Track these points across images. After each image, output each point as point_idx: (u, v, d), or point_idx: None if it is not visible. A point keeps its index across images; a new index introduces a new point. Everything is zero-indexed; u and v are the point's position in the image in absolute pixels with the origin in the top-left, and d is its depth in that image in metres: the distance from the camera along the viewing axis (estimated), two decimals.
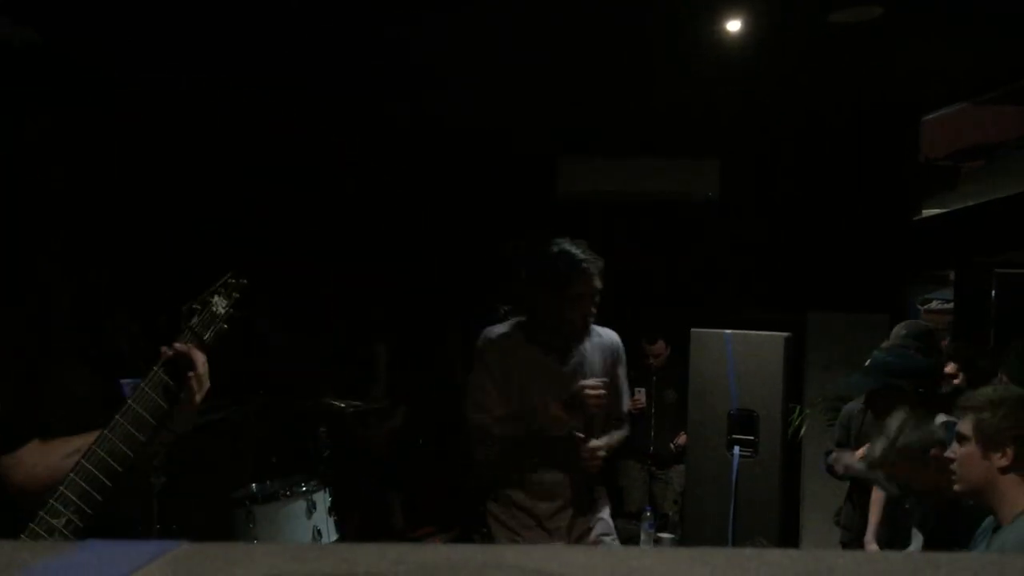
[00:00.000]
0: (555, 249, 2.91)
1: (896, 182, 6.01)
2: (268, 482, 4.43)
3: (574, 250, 2.89)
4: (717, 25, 4.40)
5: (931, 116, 5.85)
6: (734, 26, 4.41)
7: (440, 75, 5.04)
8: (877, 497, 3.77)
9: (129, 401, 1.78)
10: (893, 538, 3.40)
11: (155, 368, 1.84)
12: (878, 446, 2.97)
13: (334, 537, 4.42)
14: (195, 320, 1.97)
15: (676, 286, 6.08)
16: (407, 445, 6.14)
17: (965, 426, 2.43)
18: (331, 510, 4.44)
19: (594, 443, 2.94)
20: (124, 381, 4.43)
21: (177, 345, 1.86)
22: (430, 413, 6.31)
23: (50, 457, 1.82)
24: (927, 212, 6.01)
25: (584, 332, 2.96)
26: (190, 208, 5.08)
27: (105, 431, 1.73)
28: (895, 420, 2.96)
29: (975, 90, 5.43)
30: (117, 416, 1.74)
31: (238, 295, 2.06)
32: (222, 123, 5.24)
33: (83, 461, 1.68)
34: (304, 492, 4.31)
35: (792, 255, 6.00)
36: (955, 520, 2.79)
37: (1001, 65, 4.95)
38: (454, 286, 6.36)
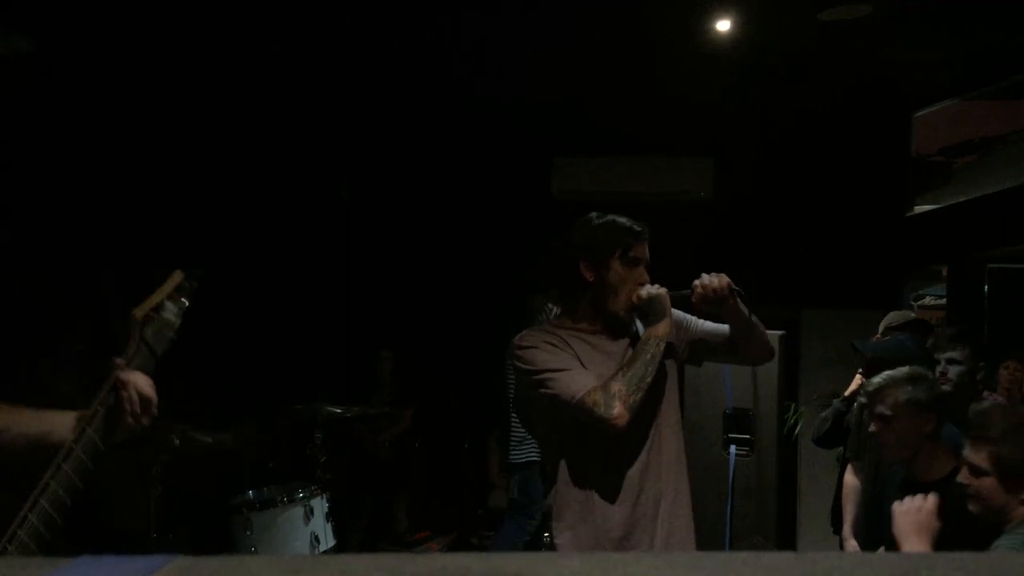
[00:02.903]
0: (600, 219, 2.60)
1: (888, 178, 6.02)
2: (265, 489, 4.43)
3: (620, 217, 2.60)
4: (708, 24, 4.42)
5: (922, 112, 5.86)
6: (725, 25, 4.42)
7: (433, 77, 5.05)
8: (849, 492, 3.77)
9: (72, 444, 1.64)
10: (871, 530, 3.40)
11: (97, 401, 1.70)
12: (879, 376, 2.94)
13: (332, 543, 4.41)
14: (149, 331, 1.78)
15: (670, 285, 6.06)
16: (411, 449, 6.16)
17: (981, 459, 2.34)
18: (329, 516, 4.43)
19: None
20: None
21: (119, 374, 1.71)
22: (435, 417, 6.32)
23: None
24: (920, 208, 6.01)
25: (631, 311, 2.59)
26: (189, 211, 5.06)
27: (58, 465, 1.62)
28: (907, 369, 2.94)
29: (966, 86, 5.45)
30: (59, 461, 1.62)
31: (187, 301, 1.86)
32: (225, 130, 5.22)
33: (40, 499, 1.58)
34: (302, 498, 4.30)
35: (786, 253, 6.01)
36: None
37: (992, 60, 4.97)
38: (453, 288, 6.36)
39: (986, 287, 6.03)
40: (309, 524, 4.28)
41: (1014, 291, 5.98)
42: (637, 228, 2.59)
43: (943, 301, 6.38)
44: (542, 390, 2.47)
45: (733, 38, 4.54)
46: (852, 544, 3.64)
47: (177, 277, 1.86)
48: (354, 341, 6.05)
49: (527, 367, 2.52)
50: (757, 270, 5.94)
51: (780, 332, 4.72)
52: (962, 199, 5.57)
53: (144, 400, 1.72)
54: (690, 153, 6.26)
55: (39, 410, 1.75)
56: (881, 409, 2.89)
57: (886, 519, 2.59)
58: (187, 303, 1.86)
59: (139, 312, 1.78)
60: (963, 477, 2.43)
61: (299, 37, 4.45)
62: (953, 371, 3.51)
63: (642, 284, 2.58)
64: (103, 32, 4.22)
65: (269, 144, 5.51)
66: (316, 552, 4.28)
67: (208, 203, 5.11)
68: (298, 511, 4.27)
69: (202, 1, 3.95)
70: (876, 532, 3.26)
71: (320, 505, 4.38)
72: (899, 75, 5.18)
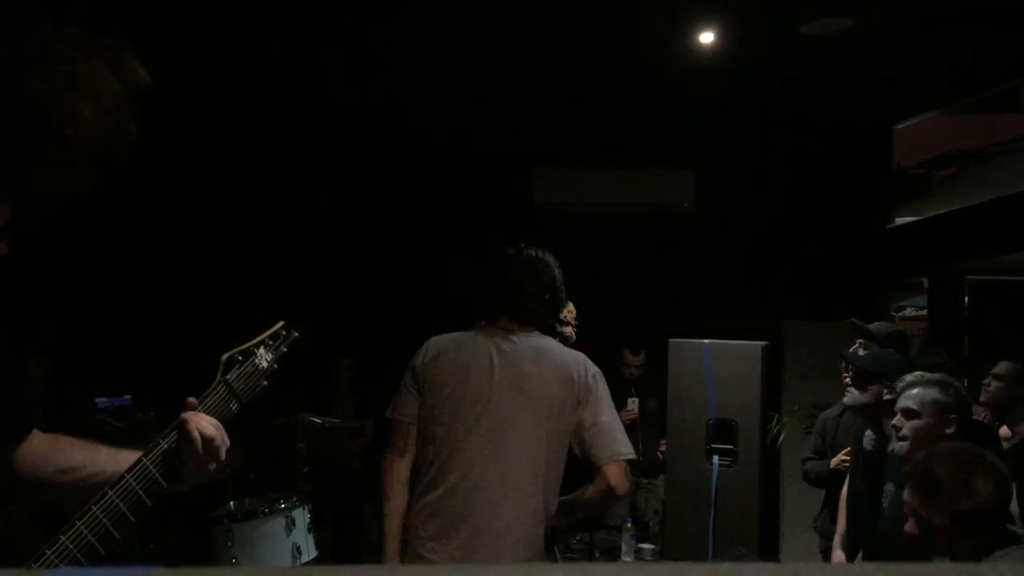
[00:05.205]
0: (545, 256, 2.78)
1: (869, 191, 6.07)
2: (246, 500, 4.39)
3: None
4: (692, 36, 4.44)
5: (903, 125, 5.91)
6: (708, 38, 4.44)
7: (415, 85, 5.04)
8: (844, 504, 3.78)
9: (127, 475, 1.53)
10: (857, 541, 3.41)
11: (160, 436, 1.57)
12: (912, 375, 3.02)
13: (314, 555, 4.37)
14: (233, 373, 1.70)
15: (652, 296, 6.10)
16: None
17: (932, 513, 2.34)
18: (310, 527, 4.40)
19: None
20: (99, 400, 4.39)
21: (184, 415, 1.57)
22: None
23: (54, 458, 1.60)
24: (900, 220, 6.06)
25: None
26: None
27: (109, 494, 1.50)
28: (938, 375, 2.99)
29: (946, 99, 5.50)
30: (110, 492, 1.51)
31: (286, 350, 1.82)
32: (199, 134, 5.19)
33: (83, 528, 1.45)
34: (283, 509, 4.26)
35: (767, 264, 6.03)
36: None
37: (972, 74, 5.01)
38: (429, 298, 6.33)
39: (966, 299, 6.08)
40: (291, 535, 4.25)
41: (993, 302, 6.03)
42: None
43: (924, 312, 6.42)
44: (606, 419, 2.60)
45: (716, 50, 4.57)
46: (839, 555, 3.66)
47: (277, 326, 1.83)
48: (326, 351, 5.99)
49: (607, 398, 2.67)
50: (739, 281, 6.01)
51: (763, 343, 4.74)
52: (942, 211, 5.62)
53: (208, 444, 1.55)
54: (672, 164, 6.28)
55: (117, 448, 1.64)
56: (907, 403, 2.90)
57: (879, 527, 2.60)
58: (285, 351, 1.82)
59: (225, 354, 1.72)
60: (911, 527, 2.38)
61: (280, 41, 4.44)
62: None
63: None
64: None
65: (248, 151, 5.49)
66: (298, 564, 4.25)
67: (187, 211, 5.09)
68: (280, 522, 4.24)
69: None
70: (865, 543, 3.28)
71: (302, 516, 4.35)
72: (880, 88, 5.22)
